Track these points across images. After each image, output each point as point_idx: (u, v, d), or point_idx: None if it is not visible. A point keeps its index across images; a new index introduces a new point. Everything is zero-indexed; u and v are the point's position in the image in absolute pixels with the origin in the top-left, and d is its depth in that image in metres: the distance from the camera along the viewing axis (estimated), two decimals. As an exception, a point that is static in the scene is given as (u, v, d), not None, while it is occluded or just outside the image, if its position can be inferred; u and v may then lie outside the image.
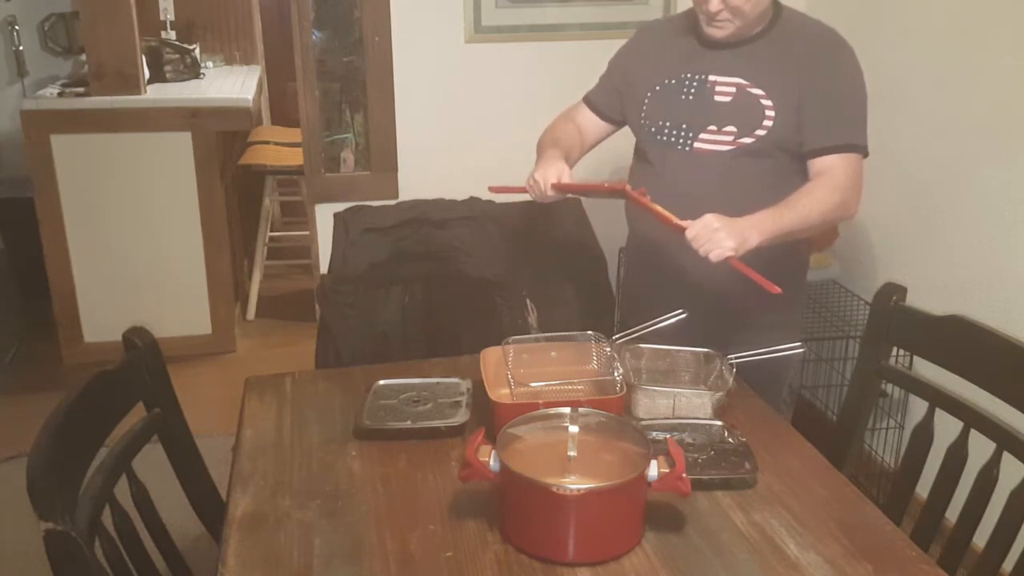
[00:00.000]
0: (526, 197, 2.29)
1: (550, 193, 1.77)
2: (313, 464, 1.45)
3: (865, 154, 1.74)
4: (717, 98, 1.76)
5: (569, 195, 1.80)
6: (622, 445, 1.31)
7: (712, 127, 1.76)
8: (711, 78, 1.77)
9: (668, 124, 1.81)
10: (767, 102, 1.72)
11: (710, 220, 1.57)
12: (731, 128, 1.75)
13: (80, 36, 3.88)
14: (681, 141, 1.79)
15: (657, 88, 1.83)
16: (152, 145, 3.39)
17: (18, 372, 3.55)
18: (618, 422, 1.35)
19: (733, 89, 1.75)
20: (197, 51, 4.07)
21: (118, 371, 1.40)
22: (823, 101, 1.71)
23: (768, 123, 1.72)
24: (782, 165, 1.76)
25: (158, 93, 3.57)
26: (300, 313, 3.91)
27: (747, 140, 1.74)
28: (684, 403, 1.54)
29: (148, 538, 1.37)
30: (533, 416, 1.36)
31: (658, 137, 1.82)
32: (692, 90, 1.79)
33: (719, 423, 1.49)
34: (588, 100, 2.01)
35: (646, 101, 1.85)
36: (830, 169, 1.71)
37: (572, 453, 1.27)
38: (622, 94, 1.92)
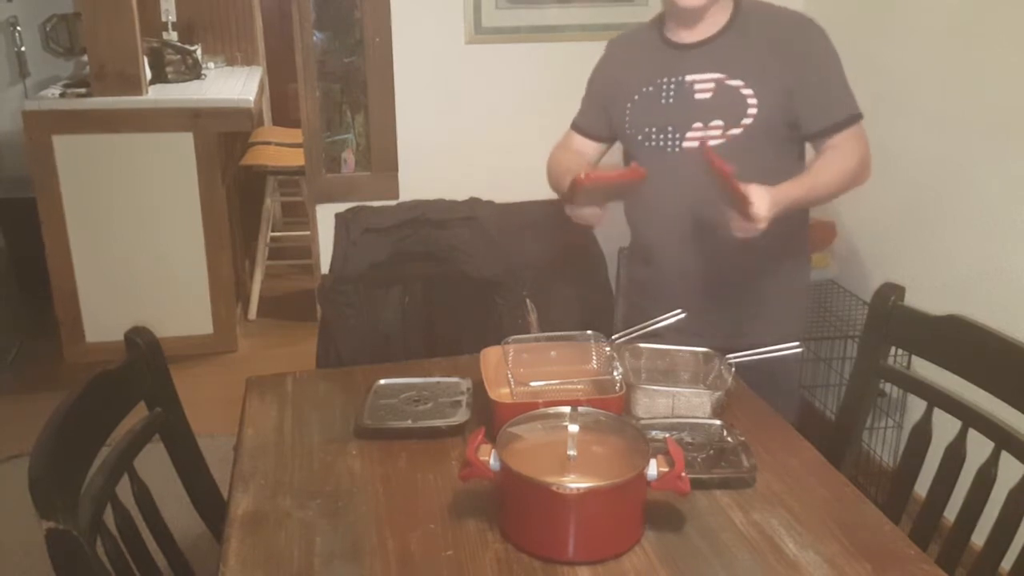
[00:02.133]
0: (528, 196, 2.30)
1: (587, 211, 1.74)
2: (314, 463, 1.45)
3: (862, 117, 1.78)
4: (698, 96, 1.79)
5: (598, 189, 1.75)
6: (622, 444, 1.31)
7: (698, 124, 1.79)
8: (688, 78, 1.79)
9: (654, 129, 1.83)
10: (747, 91, 1.75)
11: (764, 215, 1.58)
12: (717, 122, 1.77)
13: (82, 37, 3.88)
14: (669, 144, 1.81)
15: (636, 98, 1.85)
16: (154, 146, 3.40)
17: (20, 371, 3.56)
18: (618, 421, 1.36)
19: (712, 85, 1.78)
20: (198, 52, 4.08)
21: (120, 371, 1.40)
22: (813, 82, 1.75)
23: (752, 111, 1.75)
24: (774, 150, 1.79)
25: (160, 94, 3.58)
26: (301, 313, 3.91)
27: (735, 131, 1.76)
28: (683, 402, 1.55)
29: (150, 537, 1.38)
30: (533, 415, 1.36)
31: (646, 144, 1.84)
32: (671, 93, 1.81)
33: (718, 422, 1.50)
34: (576, 126, 2.02)
35: (627, 112, 1.87)
36: (841, 145, 1.75)
37: (572, 452, 1.28)
38: (606, 110, 1.94)
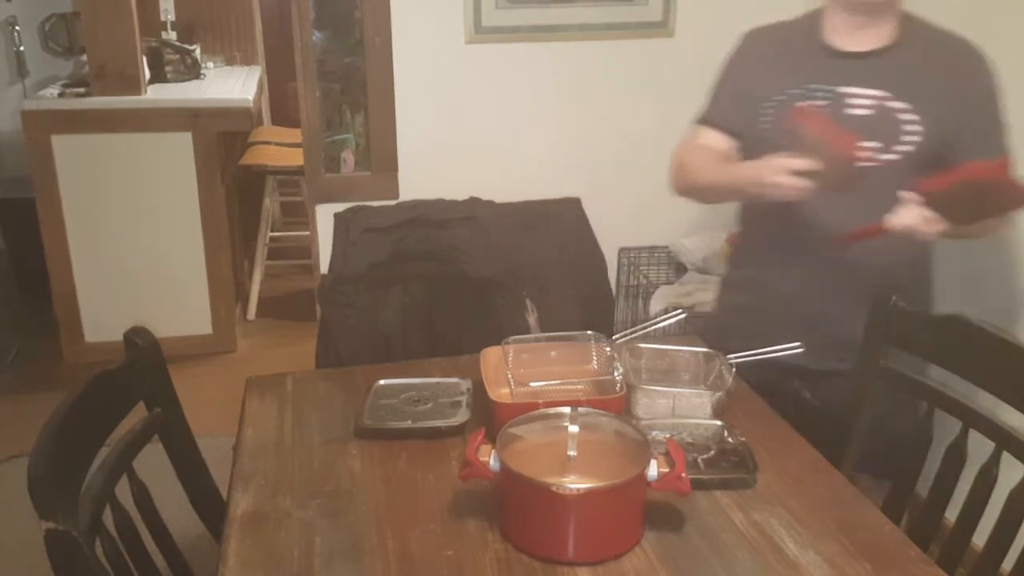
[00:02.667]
0: (528, 196, 2.26)
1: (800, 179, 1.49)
2: (314, 463, 1.45)
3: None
4: (852, 111, 1.66)
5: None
6: (622, 445, 1.31)
7: None
8: (842, 90, 1.67)
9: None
10: (911, 116, 1.63)
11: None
12: (871, 144, 1.62)
13: (81, 36, 3.88)
14: None
15: (781, 98, 1.71)
16: (153, 145, 3.40)
17: (19, 372, 3.55)
18: (618, 422, 1.36)
19: (870, 102, 1.65)
20: (198, 52, 4.08)
21: (119, 371, 1.40)
22: (980, 118, 1.66)
23: (914, 138, 1.63)
24: (917, 181, 1.57)
25: (159, 94, 3.58)
26: (301, 313, 3.91)
27: (890, 156, 1.64)
28: (684, 403, 1.55)
29: (149, 538, 1.38)
30: (533, 416, 1.36)
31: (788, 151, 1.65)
32: (822, 103, 1.67)
33: (719, 423, 1.50)
34: (707, 120, 1.83)
35: (768, 111, 1.72)
36: None
37: (572, 453, 1.28)
38: (744, 103, 1.77)
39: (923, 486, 1.52)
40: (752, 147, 1.74)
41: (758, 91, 1.75)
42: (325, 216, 2.63)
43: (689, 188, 1.82)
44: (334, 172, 2.74)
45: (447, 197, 2.60)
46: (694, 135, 1.85)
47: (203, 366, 3.52)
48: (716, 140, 1.81)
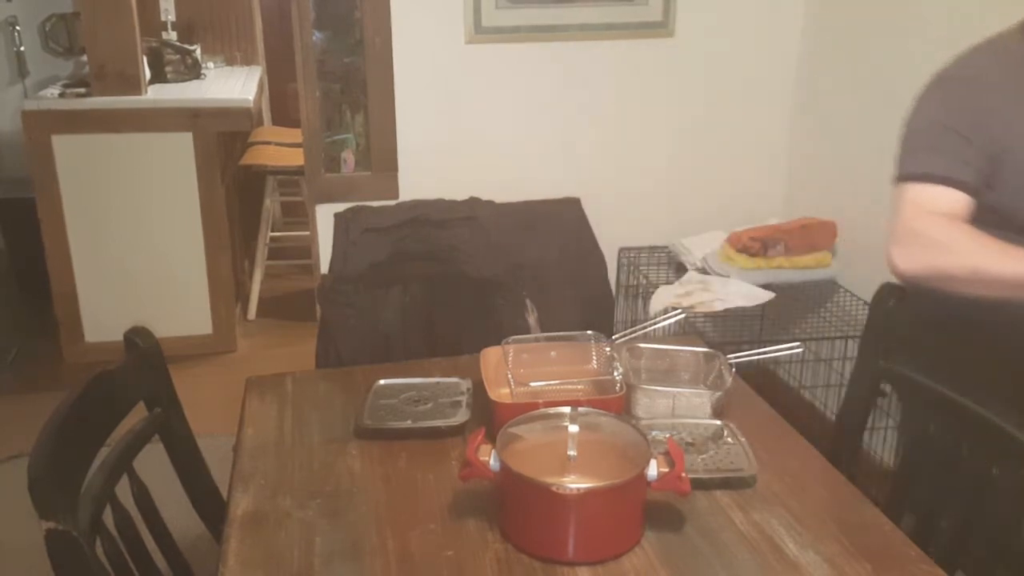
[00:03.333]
0: (528, 196, 2.26)
1: None
2: (314, 463, 1.45)
3: None
4: None
5: None
6: (622, 445, 1.31)
7: None
8: None
9: None
10: None
11: None
12: None
13: (81, 37, 3.88)
14: None
15: None
16: (153, 145, 3.40)
17: (19, 372, 3.55)
18: (618, 422, 1.36)
19: None
20: (198, 52, 4.08)
21: (119, 371, 1.40)
22: None
23: None
24: None
25: (159, 94, 3.58)
26: (301, 313, 3.91)
27: None
28: (683, 403, 1.55)
29: (149, 537, 1.38)
30: (533, 416, 1.36)
31: None
32: None
33: (718, 423, 1.50)
34: (944, 178, 1.45)
35: None
36: None
37: (572, 453, 1.28)
38: (990, 155, 1.44)
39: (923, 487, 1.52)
40: (1001, 208, 1.46)
41: (1019, 137, 1.43)
42: (325, 216, 2.63)
43: (946, 274, 1.42)
44: (334, 172, 2.74)
45: (447, 197, 2.60)
46: (923, 199, 1.47)
47: (203, 366, 3.53)
48: (957, 204, 1.44)
